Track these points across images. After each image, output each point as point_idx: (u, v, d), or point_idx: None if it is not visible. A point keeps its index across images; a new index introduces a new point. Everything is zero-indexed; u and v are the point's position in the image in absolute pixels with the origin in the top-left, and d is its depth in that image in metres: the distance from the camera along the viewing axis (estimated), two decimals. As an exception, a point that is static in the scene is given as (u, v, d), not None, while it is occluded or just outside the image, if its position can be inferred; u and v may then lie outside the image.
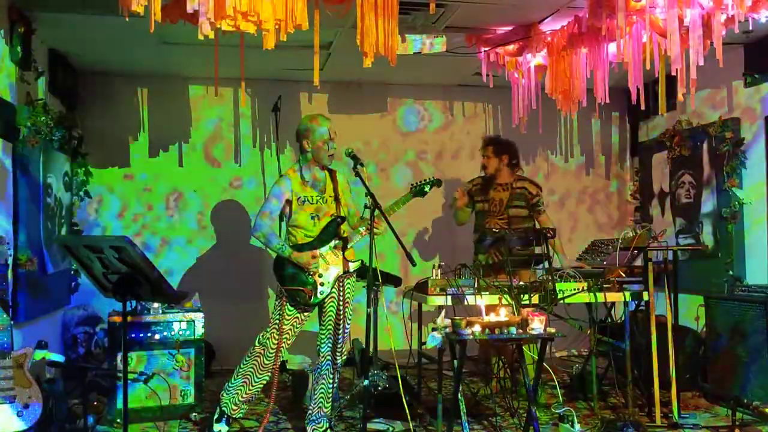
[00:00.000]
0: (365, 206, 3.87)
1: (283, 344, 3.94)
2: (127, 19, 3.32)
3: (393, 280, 5.23)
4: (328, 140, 3.94)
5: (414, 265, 3.81)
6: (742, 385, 4.52)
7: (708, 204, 5.72)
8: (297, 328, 4.00)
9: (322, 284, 3.89)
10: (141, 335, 4.50)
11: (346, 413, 4.52)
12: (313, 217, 3.94)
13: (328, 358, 3.98)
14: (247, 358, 4.00)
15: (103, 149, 5.95)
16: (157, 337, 4.53)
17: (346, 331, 4.02)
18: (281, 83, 6.17)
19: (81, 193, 5.75)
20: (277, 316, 3.94)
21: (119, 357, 4.31)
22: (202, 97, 6.22)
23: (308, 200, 3.94)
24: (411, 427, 3.89)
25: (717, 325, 4.85)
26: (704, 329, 5.10)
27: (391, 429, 4.25)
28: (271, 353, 3.94)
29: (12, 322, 3.67)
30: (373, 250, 3.65)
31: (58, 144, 5.07)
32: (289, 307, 3.92)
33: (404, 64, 4.18)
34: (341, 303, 3.98)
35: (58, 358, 3.96)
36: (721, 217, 5.53)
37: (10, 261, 4.10)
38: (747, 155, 5.36)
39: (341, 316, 3.98)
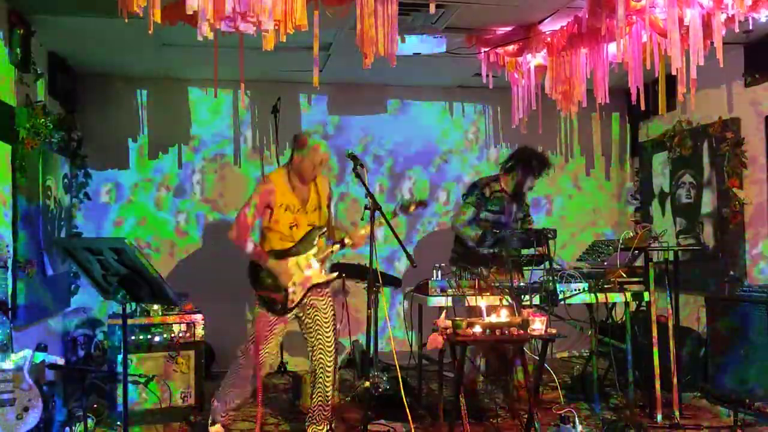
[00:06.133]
0: (365, 207, 3.87)
1: (265, 353, 3.92)
2: (126, 21, 3.31)
3: (393, 282, 5.22)
4: (318, 165, 3.94)
5: (414, 266, 3.81)
6: (744, 386, 4.51)
7: (708, 204, 5.72)
8: (278, 335, 3.97)
9: (294, 292, 3.88)
10: (141, 337, 4.49)
11: (347, 415, 4.51)
12: (292, 226, 3.93)
13: (321, 362, 3.98)
14: (232, 368, 4.02)
15: (102, 151, 5.95)
16: (156, 339, 4.52)
17: (333, 337, 4.00)
18: (280, 85, 6.16)
19: (80, 195, 5.75)
20: (256, 328, 3.94)
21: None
22: (201, 98, 6.22)
23: (290, 208, 3.93)
24: (412, 428, 3.89)
25: (718, 325, 4.84)
26: (705, 330, 5.10)
27: (392, 430, 4.24)
28: (252, 364, 3.93)
29: (12, 325, 3.67)
30: (374, 251, 3.65)
31: (58, 146, 5.06)
32: (266, 314, 3.91)
33: (404, 65, 4.18)
34: (320, 312, 3.97)
35: (58, 360, 3.95)
36: (721, 217, 5.52)
37: (9, 263, 4.09)
38: (747, 155, 5.36)
39: (323, 326, 3.97)
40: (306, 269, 3.91)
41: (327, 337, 3.96)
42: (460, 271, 4.39)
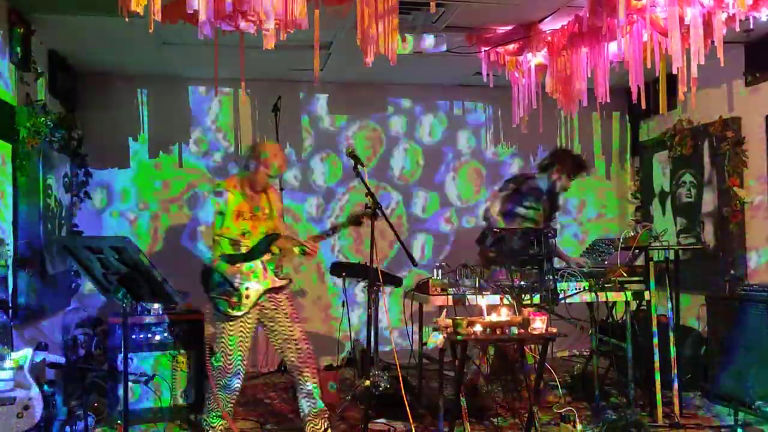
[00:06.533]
0: (365, 206, 3.88)
1: (235, 363, 3.94)
2: (126, 20, 3.31)
3: (394, 281, 5.22)
4: (274, 174, 4.00)
5: (415, 265, 3.82)
6: (744, 385, 4.51)
7: (709, 203, 5.72)
8: (244, 342, 3.96)
9: (247, 296, 3.89)
10: (141, 336, 4.50)
11: (348, 414, 4.52)
12: (244, 233, 3.96)
13: (292, 361, 4.00)
14: (212, 382, 4.03)
15: (102, 150, 5.95)
16: (157, 338, 4.53)
17: (298, 333, 4.01)
18: (281, 83, 6.16)
19: (81, 194, 5.75)
20: (220, 338, 3.95)
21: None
22: (201, 97, 6.21)
23: (242, 215, 3.96)
24: (412, 427, 3.89)
25: (718, 324, 4.84)
26: (706, 329, 5.10)
27: (392, 429, 4.24)
28: (222, 374, 3.95)
29: (12, 324, 3.67)
30: (374, 250, 3.65)
31: (58, 145, 5.06)
32: (225, 324, 3.92)
33: (404, 63, 4.18)
34: (279, 312, 4.00)
35: (59, 359, 3.95)
36: (722, 216, 5.52)
37: (10, 262, 4.09)
38: (747, 154, 5.36)
39: (284, 322, 4.00)
40: (260, 275, 3.94)
41: (291, 333, 3.99)
42: (461, 270, 4.38)
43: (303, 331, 4.07)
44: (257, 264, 3.94)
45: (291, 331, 3.99)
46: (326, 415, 4.07)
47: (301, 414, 4.04)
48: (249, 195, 4.00)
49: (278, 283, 4.00)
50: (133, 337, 4.47)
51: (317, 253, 4.06)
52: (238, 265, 3.90)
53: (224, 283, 3.87)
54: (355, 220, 4.06)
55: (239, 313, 3.89)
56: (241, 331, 3.93)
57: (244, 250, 3.94)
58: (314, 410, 4.00)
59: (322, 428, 4.00)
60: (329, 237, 4.12)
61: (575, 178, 4.96)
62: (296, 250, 4.02)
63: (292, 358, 3.99)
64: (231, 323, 3.90)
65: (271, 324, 4.01)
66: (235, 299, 3.87)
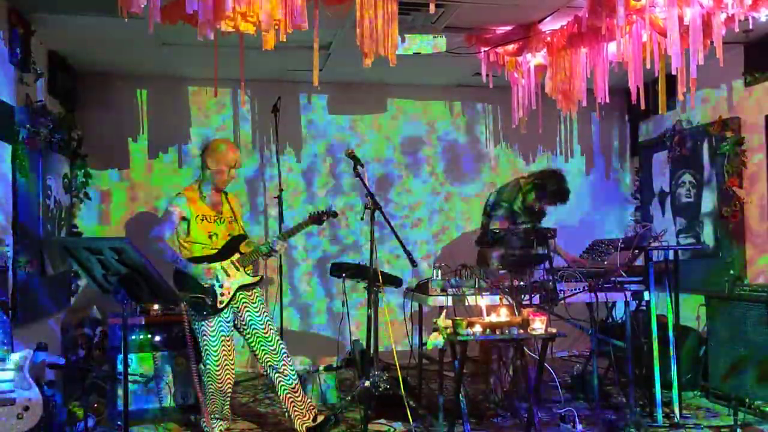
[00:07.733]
0: (365, 207, 3.88)
1: (224, 366, 3.96)
2: (126, 20, 3.31)
3: (394, 281, 5.22)
4: (231, 167, 4.04)
5: (415, 265, 3.82)
6: (744, 385, 4.51)
7: (708, 203, 5.72)
8: (226, 341, 3.99)
9: (222, 294, 3.92)
10: (141, 337, 4.49)
11: (348, 414, 4.52)
12: (211, 236, 3.99)
13: (269, 363, 4.00)
14: (203, 387, 4.05)
15: (102, 151, 5.94)
16: (157, 338, 4.52)
17: (272, 334, 4.04)
18: (281, 84, 6.16)
19: (80, 195, 5.75)
20: (202, 340, 3.96)
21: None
22: (201, 98, 6.21)
23: (207, 219, 4.00)
24: (412, 428, 3.89)
25: (718, 324, 4.84)
26: (705, 329, 5.10)
27: (392, 430, 4.24)
28: (211, 377, 3.97)
29: (12, 324, 3.67)
30: (374, 250, 3.65)
31: (58, 146, 5.06)
32: (205, 326, 3.93)
33: (404, 64, 4.18)
34: (251, 313, 4.02)
35: (59, 359, 3.95)
36: (721, 216, 5.52)
37: (9, 263, 4.09)
38: (747, 154, 5.36)
39: (258, 325, 4.01)
40: (231, 273, 3.97)
41: (266, 335, 4.01)
42: (461, 270, 4.38)
43: (276, 330, 4.11)
44: (228, 263, 3.98)
45: (265, 331, 4.02)
46: (313, 407, 4.08)
47: (287, 413, 4.05)
48: (209, 197, 4.05)
49: (250, 279, 4.04)
50: (133, 337, 4.47)
51: (282, 251, 4.16)
52: (209, 265, 3.93)
53: (197, 283, 3.89)
54: (316, 219, 4.20)
55: (216, 312, 3.91)
56: (221, 329, 3.95)
57: (212, 252, 3.98)
58: (299, 404, 4.01)
59: (310, 418, 4.01)
60: (292, 236, 4.18)
61: (552, 205, 4.90)
62: (262, 248, 4.05)
63: (267, 359, 4.01)
64: (210, 324, 3.93)
65: (244, 326, 4.03)
66: (209, 299, 3.89)
